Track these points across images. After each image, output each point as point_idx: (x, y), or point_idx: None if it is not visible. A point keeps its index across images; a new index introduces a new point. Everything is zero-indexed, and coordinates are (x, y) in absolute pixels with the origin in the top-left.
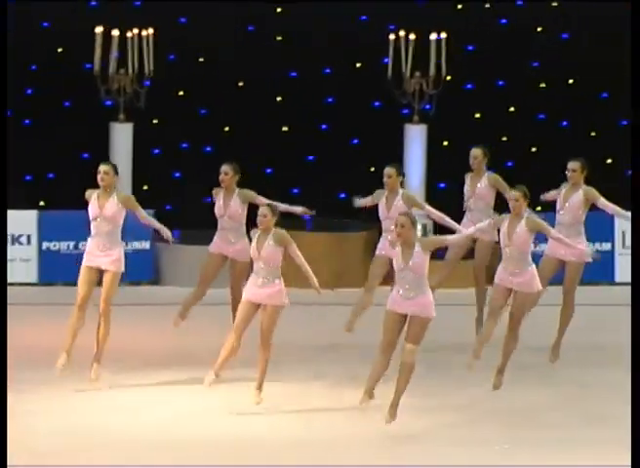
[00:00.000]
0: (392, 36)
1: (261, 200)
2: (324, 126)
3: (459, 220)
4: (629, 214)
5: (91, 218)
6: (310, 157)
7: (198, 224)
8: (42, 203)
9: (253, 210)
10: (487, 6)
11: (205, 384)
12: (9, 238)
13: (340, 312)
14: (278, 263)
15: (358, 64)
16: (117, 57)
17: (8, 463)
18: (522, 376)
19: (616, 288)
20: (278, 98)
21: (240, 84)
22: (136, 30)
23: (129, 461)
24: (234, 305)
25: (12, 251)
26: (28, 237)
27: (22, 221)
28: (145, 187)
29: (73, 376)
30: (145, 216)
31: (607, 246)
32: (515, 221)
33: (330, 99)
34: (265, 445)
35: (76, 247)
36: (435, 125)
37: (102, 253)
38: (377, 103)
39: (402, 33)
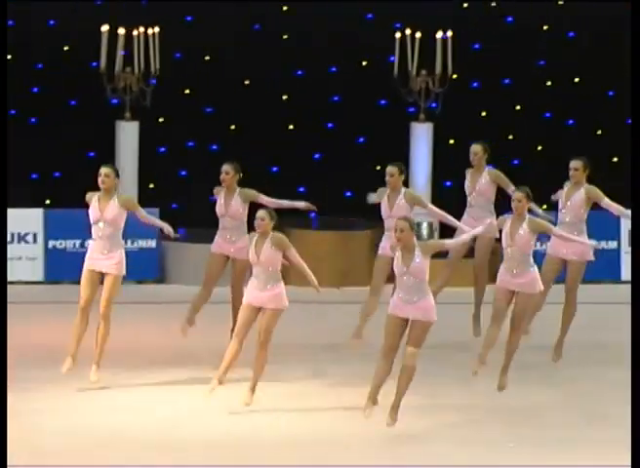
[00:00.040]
0: (398, 34)
1: (263, 198)
2: (330, 124)
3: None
4: (629, 211)
5: (92, 222)
6: (316, 155)
7: (204, 223)
8: (48, 201)
9: (255, 209)
10: (493, 4)
11: (208, 390)
12: (15, 237)
13: (344, 311)
14: (277, 267)
15: (364, 63)
16: (123, 55)
17: (8, 463)
18: (524, 375)
19: (622, 286)
20: (284, 97)
21: (246, 82)
22: (142, 29)
23: (129, 461)
24: (234, 304)
25: (18, 249)
26: (34, 235)
27: (28, 220)
28: (151, 185)
29: (79, 375)
30: (145, 216)
31: (613, 244)
32: (517, 222)
33: (336, 98)
34: (265, 445)
35: (82, 245)
36: (441, 123)
37: (104, 256)
38: (383, 102)
39: (408, 31)
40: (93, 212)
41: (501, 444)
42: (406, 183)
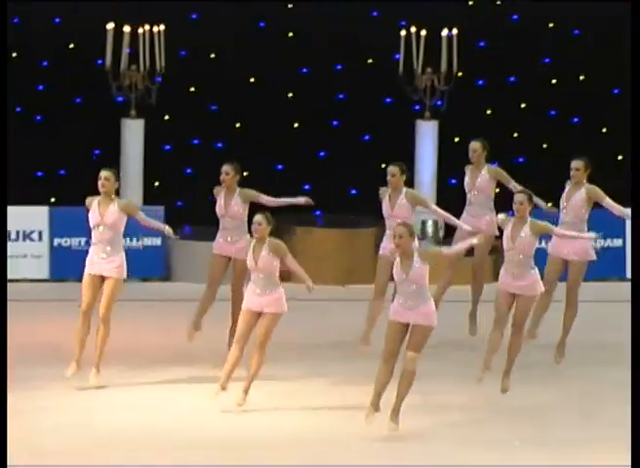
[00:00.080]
0: (403, 32)
1: (264, 198)
2: (335, 122)
3: None
4: (629, 210)
5: (92, 226)
6: (321, 153)
7: (209, 221)
8: (53, 199)
9: (255, 209)
10: (498, 2)
11: (212, 396)
12: (20, 234)
13: (349, 308)
14: (275, 272)
15: (369, 61)
16: (128, 53)
17: (8, 463)
18: (526, 375)
19: (627, 284)
20: (289, 95)
21: (251, 80)
22: (147, 27)
23: (129, 461)
24: (234, 303)
25: (23, 247)
26: (40, 233)
27: (34, 218)
28: (157, 183)
29: (82, 373)
30: (145, 219)
31: (618, 242)
32: (519, 225)
33: (341, 96)
34: (265, 444)
35: (87, 243)
36: (446, 121)
37: (104, 260)
38: (388, 100)
39: (413, 29)
40: (93, 216)
41: (502, 443)
42: (411, 181)
